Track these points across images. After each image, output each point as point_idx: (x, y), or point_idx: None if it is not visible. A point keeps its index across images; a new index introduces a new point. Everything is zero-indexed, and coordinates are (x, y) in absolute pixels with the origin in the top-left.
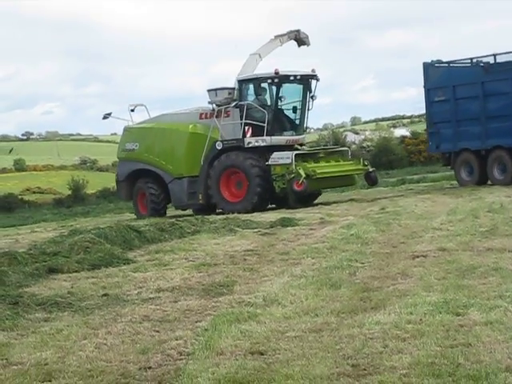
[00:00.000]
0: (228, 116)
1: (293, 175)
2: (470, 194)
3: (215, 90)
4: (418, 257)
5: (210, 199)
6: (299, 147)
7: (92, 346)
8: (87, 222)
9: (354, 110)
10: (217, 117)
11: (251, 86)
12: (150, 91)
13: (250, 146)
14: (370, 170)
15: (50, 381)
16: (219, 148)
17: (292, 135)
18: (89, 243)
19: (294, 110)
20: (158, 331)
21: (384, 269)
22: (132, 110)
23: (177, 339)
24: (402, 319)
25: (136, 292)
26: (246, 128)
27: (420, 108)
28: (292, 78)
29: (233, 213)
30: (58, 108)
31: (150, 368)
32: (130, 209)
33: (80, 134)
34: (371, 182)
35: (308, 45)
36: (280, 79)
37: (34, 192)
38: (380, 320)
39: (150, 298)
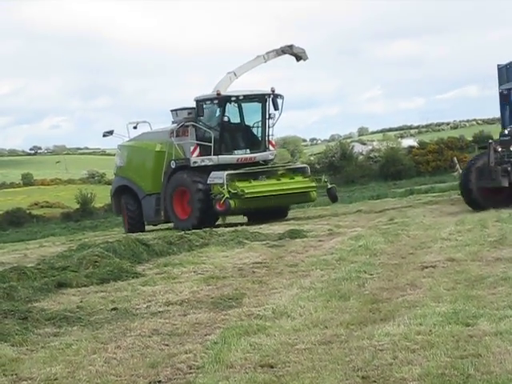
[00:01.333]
0: (186, 135)
1: (217, 195)
2: None
3: (176, 110)
4: (426, 267)
5: (168, 216)
6: (266, 163)
7: (101, 361)
8: (96, 235)
9: (361, 121)
10: (177, 136)
11: (203, 107)
12: (157, 104)
13: (196, 165)
14: (329, 186)
15: None
16: (173, 167)
17: (245, 153)
18: (97, 257)
19: (251, 128)
20: (167, 345)
21: (393, 280)
22: (135, 127)
23: (186, 353)
24: (411, 330)
25: (145, 306)
26: (192, 148)
27: (427, 118)
28: (234, 98)
29: (183, 230)
30: (65, 122)
31: (159, 382)
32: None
33: (88, 148)
34: (331, 198)
35: (305, 59)
36: (221, 100)
37: (42, 206)
38: (389, 331)
39: (159, 312)
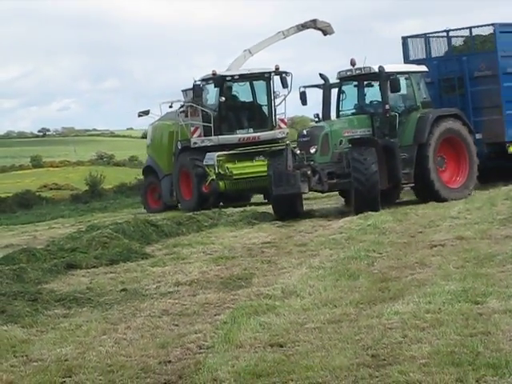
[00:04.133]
0: (193, 116)
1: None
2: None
3: (185, 90)
4: (435, 246)
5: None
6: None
7: (111, 341)
8: (105, 217)
9: None
10: (185, 116)
11: (200, 87)
12: (167, 85)
13: (196, 146)
14: None
15: (70, 376)
16: (179, 147)
17: (247, 133)
18: (107, 238)
19: (255, 107)
20: (177, 325)
21: (402, 258)
22: (170, 106)
23: (196, 333)
24: (420, 309)
25: (154, 286)
26: (193, 128)
27: None
28: (229, 78)
29: (189, 210)
30: (74, 104)
31: (169, 362)
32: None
33: (96, 130)
34: None
35: (330, 33)
36: (216, 80)
37: (51, 188)
38: (399, 310)
39: (169, 292)
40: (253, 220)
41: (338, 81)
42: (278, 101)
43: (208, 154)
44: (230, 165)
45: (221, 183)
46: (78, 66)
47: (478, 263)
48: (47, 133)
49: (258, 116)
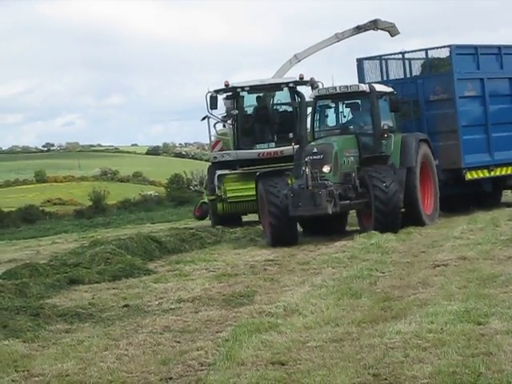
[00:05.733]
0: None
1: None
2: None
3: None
4: (438, 266)
5: None
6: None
7: (113, 357)
8: (108, 232)
9: None
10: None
11: (216, 99)
12: (171, 101)
13: (216, 160)
14: None
15: None
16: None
17: (268, 148)
18: (109, 254)
19: (279, 119)
20: (178, 342)
21: (405, 278)
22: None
23: (198, 350)
24: (422, 328)
25: (157, 303)
26: (214, 142)
27: None
28: (239, 89)
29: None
30: (78, 119)
31: (171, 379)
32: (150, 219)
33: (101, 145)
34: None
35: (393, 34)
36: (228, 91)
37: (55, 203)
38: (401, 329)
39: (171, 309)
40: (256, 238)
41: (313, 98)
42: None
43: (217, 171)
44: (230, 185)
45: (219, 205)
46: (83, 81)
47: (481, 284)
48: (51, 148)
49: (282, 129)
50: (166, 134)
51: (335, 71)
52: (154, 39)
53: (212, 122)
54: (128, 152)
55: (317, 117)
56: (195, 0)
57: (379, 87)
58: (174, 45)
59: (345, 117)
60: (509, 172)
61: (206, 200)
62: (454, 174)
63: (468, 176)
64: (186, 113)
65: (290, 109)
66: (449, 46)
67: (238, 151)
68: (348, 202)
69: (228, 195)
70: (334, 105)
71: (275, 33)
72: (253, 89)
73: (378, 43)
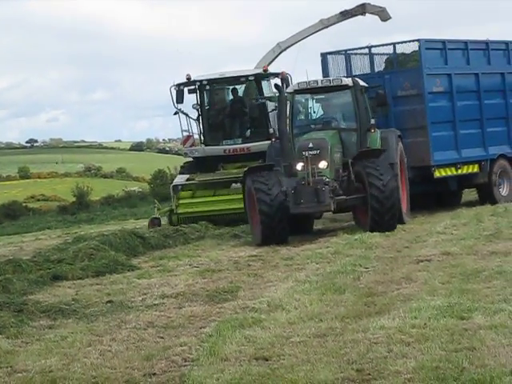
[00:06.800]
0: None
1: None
2: (474, 197)
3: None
4: (422, 261)
5: None
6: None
7: (97, 353)
8: (91, 228)
9: None
10: None
11: (182, 93)
12: (155, 97)
13: (187, 156)
14: None
15: None
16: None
17: (234, 144)
18: (93, 250)
19: (247, 114)
20: (162, 337)
21: (388, 273)
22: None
23: (181, 345)
24: (406, 324)
25: (140, 298)
26: (185, 137)
27: None
28: (198, 83)
29: None
30: (62, 115)
31: (154, 374)
32: (133, 215)
33: (84, 141)
34: None
35: (386, 19)
36: (190, 84)
37: (39, 199)
38: (384, 325)
39: (155, 305)
40: (239, 233)
41: (291, 92)
42: (271, 106)
43: (179, 175)
44: (184, 199)
45: (173, 217)
46: (68, 77)
47: (464, 279)
48: (35, 144)
49: (251, 125)
50: (150, 129)
51: (307, 67)
52: (139, 35)
53: (183, 116)
54: (112, 148)
55: (296, 111)
56: None
57: (361, 82)
58: (160, 40)
59: (325, 112)
60: (475, 170)
61: (156, 215)
62: (422, 172)
63: (436, 174)
64: (171, 108)
65: (256, 103)
66: (417, 40)
67: (205, 147)
68: (344, 197)
69: (179, 210)
70: (314, 99)
71: (263, 27)
72: (213, 82)
73: (359, 39)
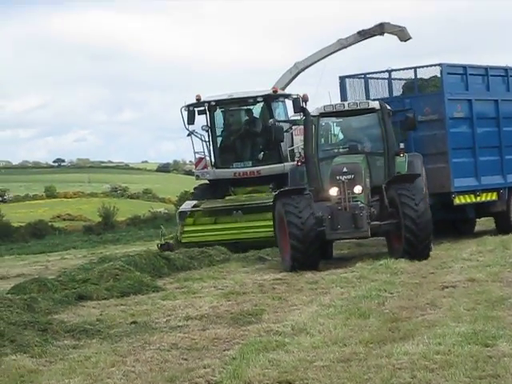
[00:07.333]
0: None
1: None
2: (486, 226)
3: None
4: (447, 287)
5: None
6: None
7: (120, 374)
8: (117, 249)
9: None
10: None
11: (193, 114)
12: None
13: (199, 179)
14: None
15: None
16: None
17: (244, 167)
18: (118, 271)
19: (254, 136)
20: (186, 359)
21: (413, 299)
22: None
23: (205, 367)
24: (430, 350)
25: (165, 320)
26: (198, 159)
27: None
28: (206, 104)
29: None
30: (90, 135)
31: None
32: (159, 236)
33: (111, 162)
34: None
35: (406, 39)
36: (199, 106)
37: (65, 219)
38: (408, 350)
39: (179, 326)
40: (264, 256)
41: (317, 115)
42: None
43: (187, 201)
44: (189, 227)
45: (175, 246)
46: (95, 97)
47: (489, 306)
48: (62, 163)
49: (262, 147)
50: (177, 151)
51: (330, 90)
52: (167, 55)
53: (196, 138)
54: (138, 169)
55: (321, 135)
56: (209, 17)
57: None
58: (187, 62)
59: (351, 135)
60: (494, 198)
61: (162, 242)
62: (441, 199)
63: (456, 201)
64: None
65: (276, 126)
66: (439, 65)
67: (216, 170)
68: (378, 222)
69: (182, 238)
70: (339, 122)
71: (290, 50)
72: (221, 103)
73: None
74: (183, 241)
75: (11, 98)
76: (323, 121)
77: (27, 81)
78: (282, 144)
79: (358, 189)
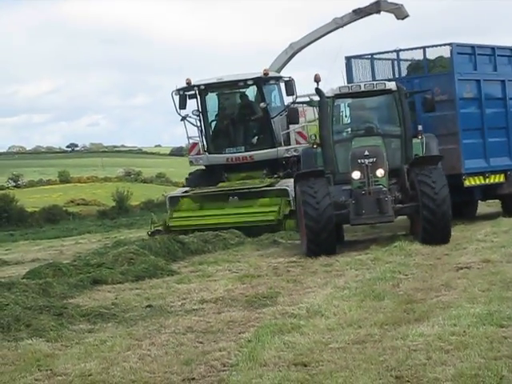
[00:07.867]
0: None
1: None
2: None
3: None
4: (461, 268)
5: None
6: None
7: (136, 357)
8: (131, 233)
9: None
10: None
11: (184, 98)
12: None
13: (193, 165)
14: None
15: None
16: None
17: (237, 152)
18: (133, 255)
19: (251, 120)
20: (201, 342)
21: (428, 280)
22: None
23: (220, 350)
24: (445, 331)
25: (180, 303)
26: (191, 144)
27: None
28: (196, 88)
29: None
30: (103, 120)
31: (193, 379)
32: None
33: (124, 146)
34: None
35: (403, 16)
36: (189, 90)
37: (79, 204)
38: (423, 332)
39: (194, 310)
40: (278, 239)
41: (332, 96)
42: (275, 112)
43: (179, 188)
44: (178, 212)
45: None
46: (108, 81)
47: (504, 286)
48: (75, 148)
49: (255, 132)
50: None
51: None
52: (180, 38)
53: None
54: (152, 153)
55: (336, 117)
56: (222, 1)
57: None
58: (200, 44)
59: (367, 117)
60: (501, 180)
61: (152, 230)
62: (451, 180)
63: (466, 183)
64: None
65: (255, 107)
66: (449, 44)
67: (209, 155)
68: (400, 205)
69: (170, 223)
70: (355, 104)
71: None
72: (211, 86)
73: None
74: (170, 225)
75: (24, 83)
76: (338, 102)
77: (40, 65)
78: (274, 128)
79: (380, 172)
